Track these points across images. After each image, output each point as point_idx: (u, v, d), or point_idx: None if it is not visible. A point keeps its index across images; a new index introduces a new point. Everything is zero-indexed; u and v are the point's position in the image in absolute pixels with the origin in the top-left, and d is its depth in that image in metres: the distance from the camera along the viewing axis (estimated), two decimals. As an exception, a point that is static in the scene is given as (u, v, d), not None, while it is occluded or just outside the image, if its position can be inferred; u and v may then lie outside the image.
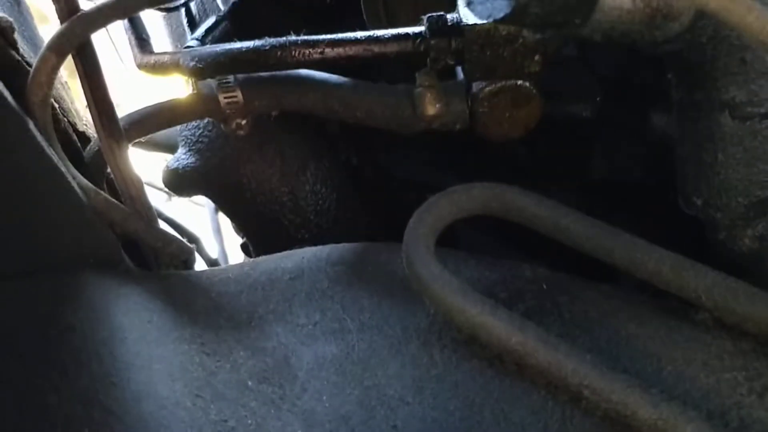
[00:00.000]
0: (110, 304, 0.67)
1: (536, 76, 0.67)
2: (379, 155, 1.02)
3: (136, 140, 0.76)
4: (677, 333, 0.60)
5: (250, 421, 0.59)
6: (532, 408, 0.57)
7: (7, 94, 0.64)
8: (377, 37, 0.69)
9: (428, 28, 0.67)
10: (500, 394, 0.59)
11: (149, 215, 0.75)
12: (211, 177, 0.94)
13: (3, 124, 0.63)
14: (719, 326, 0.59)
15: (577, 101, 0.82)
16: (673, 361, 0.58)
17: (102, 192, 0.72)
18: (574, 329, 0.62)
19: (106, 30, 0.79)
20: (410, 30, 0.68)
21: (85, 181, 0.70)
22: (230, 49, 0.70)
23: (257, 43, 0.70)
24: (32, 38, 0.80)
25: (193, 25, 0.94)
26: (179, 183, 0.95)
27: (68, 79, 0.86)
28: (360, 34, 0.69)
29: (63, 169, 0.67)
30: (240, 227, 1.08)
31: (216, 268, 0.81)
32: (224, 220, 1.64)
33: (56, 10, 0.66)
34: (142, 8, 0.71)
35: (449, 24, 0.67)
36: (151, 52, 0.77)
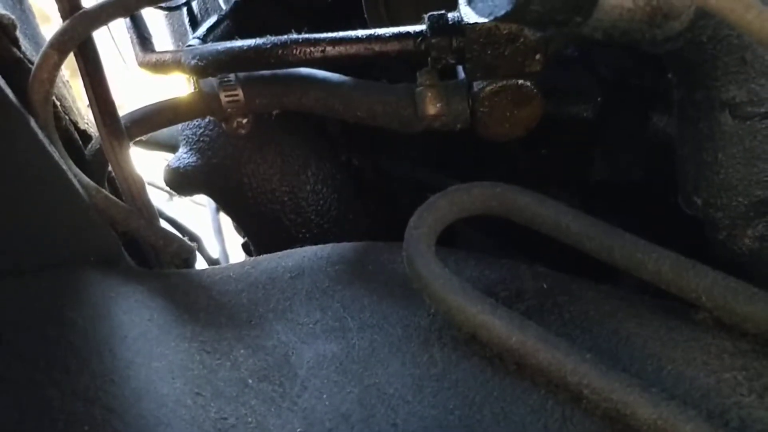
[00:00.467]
0: (111, 302, 0.67)
1: (537, 75, 0.67)
2: (380, 155, 1.02)
3: (138, 139, 0.76)
4: (677, 333, 0.60)
5: (250, 419, 0.59)
6: (532, 407, 0.57)
7: (8, 91, 0.64)
8: (378, 35, 0.69)
9: (429, 27, 0.67)
10: (500, 393, 0.59)
11: (150, 214, 0.75)
12: (212, 176, 0.94)
13: (4, 121, 0.63)
14: (719, 326, 0.59)
15: (577, 101, 0.82)
16: (672, 361, 0.58)
17: (103, 190, 0.72)
18: (574, 328, 0.62)
19: (108, 29, 0.79)
20: (411, 29, 0.68)
21: (86, 179, 0.71)
22: (231, 48, 0.70)
23: (258, 41, 0.70)
24: (34, 36, 0.80)
25: (194, 23, 0.94)
26: (180, 182, 0.96)
27: (70, 77, 0.86)
28: (361, 32, 0.69)
29: (64, 167, 0.67)
30: (241, 226, 1.08)
31: (217, 266, 0.81)
32: (225, 220, 1.64)
33: (58, 8, 0.66)
34: (143, 6, 0.71)
35: (450, 23, 0.67)
36: (153, 51, 0.77)
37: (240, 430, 0.58)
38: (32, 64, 0.68)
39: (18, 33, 0.69)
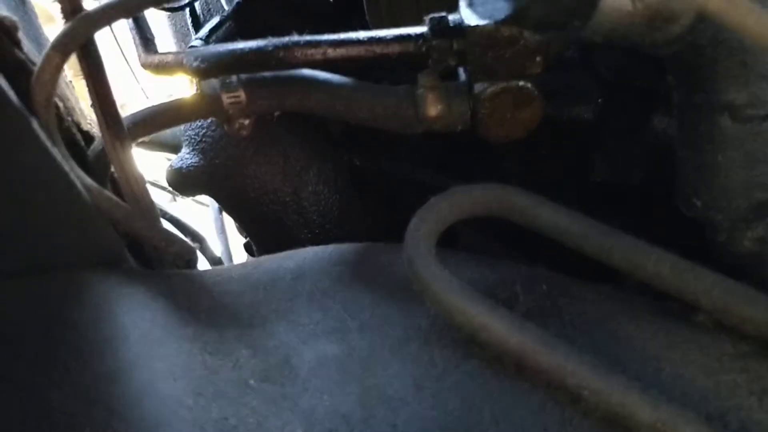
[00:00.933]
0: (113, 302, 0.67)
1: (537, 77, 0.67)
2: (381, 156, 1.02)
3: (140, 139, 0.76)
4: (677, 335, 0.60)
5: (251, 420, 0.59)
6: (532, 408, 0.57)
7: (11, 92, 0.64)
8: (379, 37, 0.69)
9: (430, 29, 0.67)
10: (500, 395, 0.59)
11: (152, 214, 0.75)
12: (214, 177, 0.95)
13: (7, 122, 0.64)
14: (719, 328, 0.59)
15: (578, 103, 0.82)
16: (672, 363, 0.58)
17: (105, 191, 0.72)
18: (573, 330, 0.62)
19: (111, 30, 0.79)
20: (412, 31, 0.68)
21: (88, 180, 0.71)
22: (234, 49, 0.70)
23: (260, 43, 0.70)
24: (37, 38, 0.80)
25: (197, 24, 0.95)
26: (183, 182, 0.96)
27: (73, 78, 0.86)
28: (362, 34, 0.69)
29: (66, 167, 0.68)
30: (243, 227, 1.09)
31: (218, 267, 0.81)
32: (228, 220, 1.64)
33: (61, 9, 0.66)
34: (145, 7, 0.71)
35: (451, 25, 0.67)
36: (156, 52, 0.77)
37: (241, 430, 0.58)
38: (35, 65, 0.69)
39: (20, 34, 0.69)
